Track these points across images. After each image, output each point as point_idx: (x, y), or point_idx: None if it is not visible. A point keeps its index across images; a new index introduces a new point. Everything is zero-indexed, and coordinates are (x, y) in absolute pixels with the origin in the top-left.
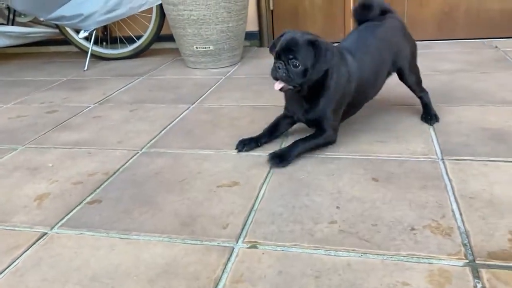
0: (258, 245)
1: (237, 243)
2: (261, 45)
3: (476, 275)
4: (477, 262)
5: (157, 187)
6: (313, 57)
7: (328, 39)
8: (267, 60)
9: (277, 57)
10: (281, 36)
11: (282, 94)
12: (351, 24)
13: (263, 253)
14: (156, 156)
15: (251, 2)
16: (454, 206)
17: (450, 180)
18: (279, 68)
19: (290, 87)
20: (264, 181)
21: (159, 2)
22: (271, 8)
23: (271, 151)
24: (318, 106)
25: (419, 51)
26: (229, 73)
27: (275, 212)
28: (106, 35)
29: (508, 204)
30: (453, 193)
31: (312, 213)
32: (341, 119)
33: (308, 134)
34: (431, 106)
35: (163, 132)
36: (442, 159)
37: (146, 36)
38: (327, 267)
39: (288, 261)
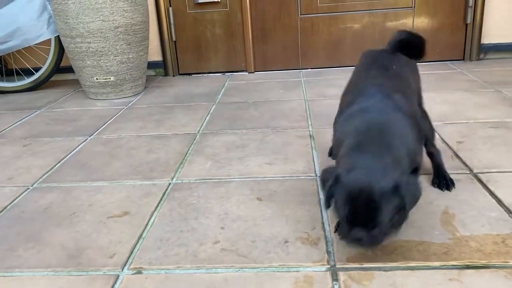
0: (142, 271)
1: (122, 270)
2: (166, 74)
3: (335, 278)
4: (337, 266)
5: (46, 222)
6: (398, 205)
7: (231, 69)
8: (171, 89)
9: (352, 221)
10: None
11: (183, 122)
12: (251, 55)
13: (146, 278)
14: (47, 191)
15: (153, 33)
16: (325, 218)
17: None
18: (361, 239)
19: None
20: (155, 209)
21: (56, 34)
22: (174, 39)
23: None
24: None
25: (312, 78)
26: (131, 103)
27: (162, 237)
28: (1, 68)
29: None
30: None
31: (198, 236)
32: None
33: None
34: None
35: (56, 166)
36: (319, 176)
37: (45, 68)
38: (206, 284)
39: (170, 283)
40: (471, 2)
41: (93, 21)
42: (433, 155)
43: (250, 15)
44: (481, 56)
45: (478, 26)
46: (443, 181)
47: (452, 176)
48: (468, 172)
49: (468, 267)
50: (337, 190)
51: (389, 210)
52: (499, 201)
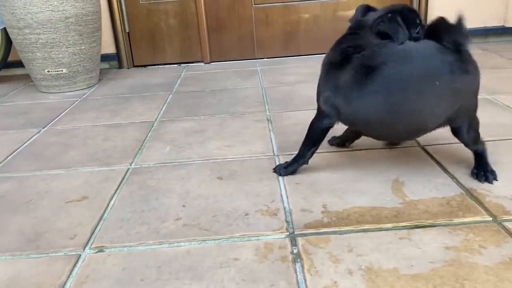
0: (104, 249)
1: (84, 250)
2: (120, 66)
3: (294, 243)
4: (295, 233)
5: (0, 210)
6: None
7: (186, 59)
8: (126, 81)
9: None
10: None
11: (140, 111)
12: (207, 45)
13: (108, 255)
14: (0, 181)
15: (106, 24)
16: (283, 192)
17: None
18: None
19: None
20: (115, 192)
21: (3, 27)
22: (127, 30)
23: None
24: None
25: (268, 67)
26: (85, 95)
27: (123, 218)
28: None
29: (325, 185)
30: (283, 182)
31: (159, 214)
32: None
33: None
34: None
35: (9, 157)
36: (277, 155)
37: None
38: (169, 257)
39: (132, 258)
40: None
41: (41, 11)
42: (477, 149)
43: (204, 5)
44: None
45: (423, 11)
46: (481, 172)
47: (402, 149)
48: (416, 145)
49: (416, 226)
50: None
51: None
52: (444, 169)
